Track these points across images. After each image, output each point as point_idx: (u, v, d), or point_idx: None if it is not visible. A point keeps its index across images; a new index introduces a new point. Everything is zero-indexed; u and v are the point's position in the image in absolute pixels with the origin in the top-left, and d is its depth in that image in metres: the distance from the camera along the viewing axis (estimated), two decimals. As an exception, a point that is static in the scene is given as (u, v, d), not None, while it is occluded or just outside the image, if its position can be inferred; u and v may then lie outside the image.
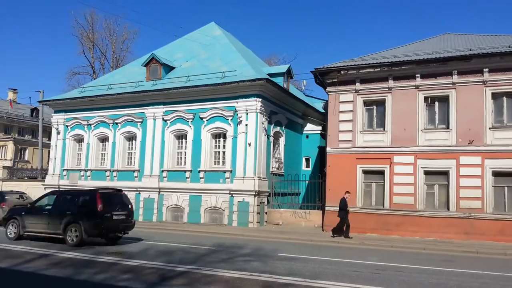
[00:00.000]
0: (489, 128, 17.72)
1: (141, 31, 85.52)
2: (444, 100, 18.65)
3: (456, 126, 18.18)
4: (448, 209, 18.00)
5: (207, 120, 22.80)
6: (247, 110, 21.65)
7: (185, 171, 23.22)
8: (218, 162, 22.88)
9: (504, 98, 17.82)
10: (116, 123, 25.81)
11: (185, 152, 23.74)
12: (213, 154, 23.00)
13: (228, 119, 22.25)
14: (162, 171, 23.83)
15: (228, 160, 22.19)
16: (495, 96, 17.91)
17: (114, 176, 25.55)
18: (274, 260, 11.44)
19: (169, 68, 25.93)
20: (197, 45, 27.41)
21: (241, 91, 21.79)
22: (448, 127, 18.40)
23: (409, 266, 11.16)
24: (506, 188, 17.40)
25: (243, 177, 21.36)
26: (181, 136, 24.11)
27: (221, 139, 22.94)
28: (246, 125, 21.60)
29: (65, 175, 27.46)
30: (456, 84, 18.33)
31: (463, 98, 18.15)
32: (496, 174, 17.52)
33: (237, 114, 21.87)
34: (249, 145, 21.39)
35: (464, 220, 17.52)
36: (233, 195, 21.51)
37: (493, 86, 17.83)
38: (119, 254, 11.98)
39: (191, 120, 23.26)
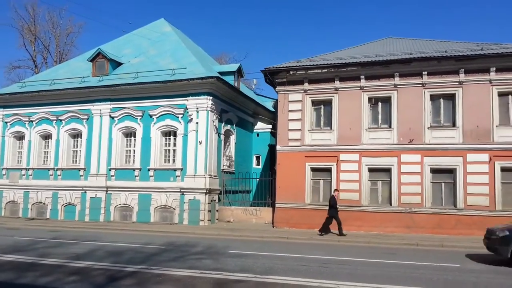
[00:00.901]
0: (428, 128, 18.83)
1: (87, 25, 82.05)
2: (387, 101, 19.59)
3: (397, 125, 19.16)
4: (391, 204, 18.95)
5: (156, 118, 22.48)
6: (197, 108, 21.58)
7: (134, 170, 22.77)
8: (169, 160, 22.64)
9: (441, 100, 18.99)
10: (60, 120, 24.79)
11: (134, 150, 23.25)
12: (163, 152, 22.73)
13: (178, 117, 22.05)
14: (110, 169, 23.21)
15: (178, 158, 22.00)
16: (433, 98, 19.04)
17: (58, 175, 24.56)
18: (225, 257, 11.56)
19: (116, 64, 25.25)
20: (146, 41, 26.92)
21: (192, 89, 21.68)
22: (390, 127, 19.35)
23: (355, 259, 11.67)
24: (443, 184, 18.58)
25: (194, 175, 21.30)
26: (129, 134, 23.60)
27: (172, 137, 22.70)
28: (197, 123, 21.53)
29: (4, 174, 26.05)
30: (398, 86, 19.30)
31: (404, 99, 19.16)
32: (434, 171, 18.66)
33: (188, 112, 21.75)
34: (200, 143, 21.35)
35: (405, 215, 18.53)
36: (184, 193, 21.39)
37: (431, 88, 18.94)
38: None
39: (140, 117, 22.82)
